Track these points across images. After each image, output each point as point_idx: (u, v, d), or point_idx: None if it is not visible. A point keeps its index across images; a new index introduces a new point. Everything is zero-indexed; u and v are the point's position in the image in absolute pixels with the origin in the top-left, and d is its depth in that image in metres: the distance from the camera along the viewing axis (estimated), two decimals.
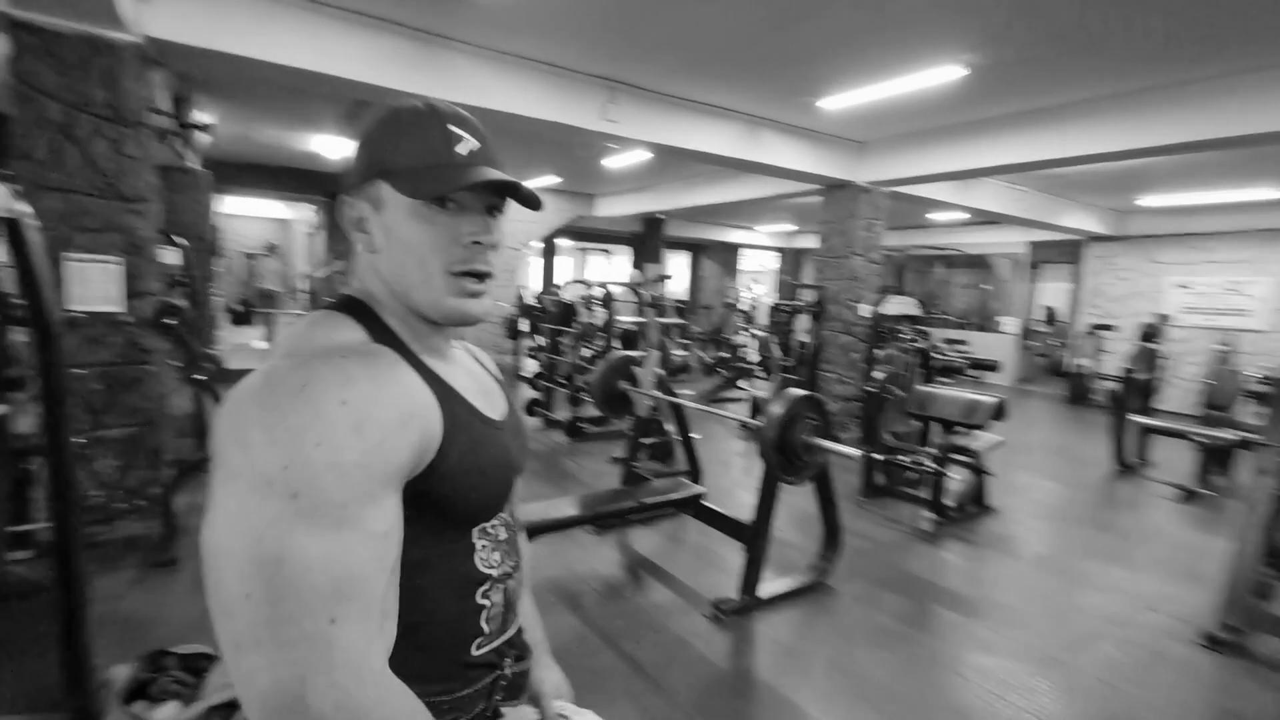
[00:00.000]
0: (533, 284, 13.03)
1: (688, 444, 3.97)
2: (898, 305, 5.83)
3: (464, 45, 4.07)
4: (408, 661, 0.59)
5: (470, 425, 0.67)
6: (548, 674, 0.91)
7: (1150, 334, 6.03)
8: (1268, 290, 8.29)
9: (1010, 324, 11.06)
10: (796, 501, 3.67)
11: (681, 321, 9.10)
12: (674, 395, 3.75)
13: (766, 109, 5.19)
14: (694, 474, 3.97)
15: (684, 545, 3.56)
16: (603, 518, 2.98)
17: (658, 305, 5.73)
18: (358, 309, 0.68)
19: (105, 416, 3.25)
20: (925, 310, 9.73)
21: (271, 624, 0.48)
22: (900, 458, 4.10)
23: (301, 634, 0.49)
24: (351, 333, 0.65)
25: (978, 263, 12.53)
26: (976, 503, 4.28)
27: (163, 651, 1.91)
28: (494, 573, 0.71)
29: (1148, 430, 5.74)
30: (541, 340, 6.78)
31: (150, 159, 3.37)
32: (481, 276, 0.68)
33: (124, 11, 2.97)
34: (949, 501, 4.12)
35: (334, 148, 7.32)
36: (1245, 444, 4.91)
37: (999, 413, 3.85)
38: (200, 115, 3.73)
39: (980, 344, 10.93)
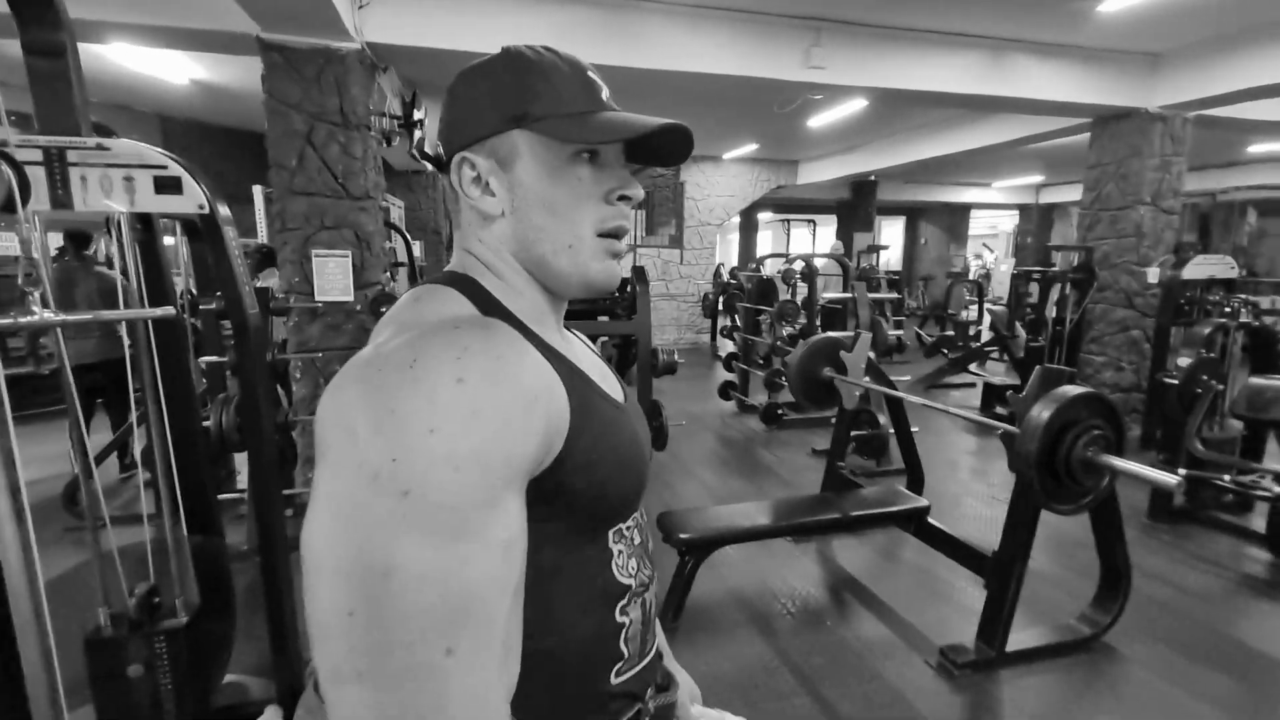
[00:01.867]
0: (731, 260, 12.67)
1: (906, 442, 3.34)
2: (1206, 267, 4.41)
3: (652, 4, 3.81)
4: (532, 698, 0.51)
5: (600, 408, 0.57)
6: (678, 675, 0.78)
7: None
8: None
9: None
10: (1056, 519, 2.89)
11: (895, 296, 8.05)
12: (890, 385, 3.16)
13: (1019, 27, 4.16)
14: (914, 479, 3.34)
15: (901, 565, 2.99)
16: (802, 530, 2.57)
17: (868, 278, 4.98)
18: (462, 282, 0.59)
19: None
20: (1246, 271, 7.39)
21: (376, 652, 0.40)
22: (1220, 476, 3.02)
23: (411, 667, 0.40)
24: (460, 306, 0.56)
25: None
26: None
27: None
28: (632, 583, 0.60)
29: None
30: (737, 319, 6.42)
31: (375, 159, 3.68)
32: (623, 235, 0.61)
33: (347, 21, 3.20)
34: None
35: None
36: None
37: None
38: (419, 113, 3.97)
39: None
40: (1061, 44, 4.42)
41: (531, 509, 0.49)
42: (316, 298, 3.44)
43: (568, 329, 0.71)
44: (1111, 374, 5.02)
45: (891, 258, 14.15)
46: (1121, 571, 2.33)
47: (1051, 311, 5.27)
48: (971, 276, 9.56)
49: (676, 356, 4.77)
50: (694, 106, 6.36)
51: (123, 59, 4.64)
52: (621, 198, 0.59)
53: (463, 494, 0.42)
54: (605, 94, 0.59)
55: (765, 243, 14.32)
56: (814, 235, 12.19)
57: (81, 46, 1.37)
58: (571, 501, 0.53)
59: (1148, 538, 3.30)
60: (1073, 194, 10.90)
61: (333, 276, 3.48)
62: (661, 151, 0.62)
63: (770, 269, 6.35)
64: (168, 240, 1.75)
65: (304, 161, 3.37)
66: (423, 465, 0.41)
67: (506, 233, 0.59)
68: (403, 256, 5.03)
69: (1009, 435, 2.02)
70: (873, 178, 10.21)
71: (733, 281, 7.29)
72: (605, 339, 4.61)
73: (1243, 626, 2.51)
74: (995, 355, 6.95)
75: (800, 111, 6.38)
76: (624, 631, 0.59)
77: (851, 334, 3.13)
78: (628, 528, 0.61)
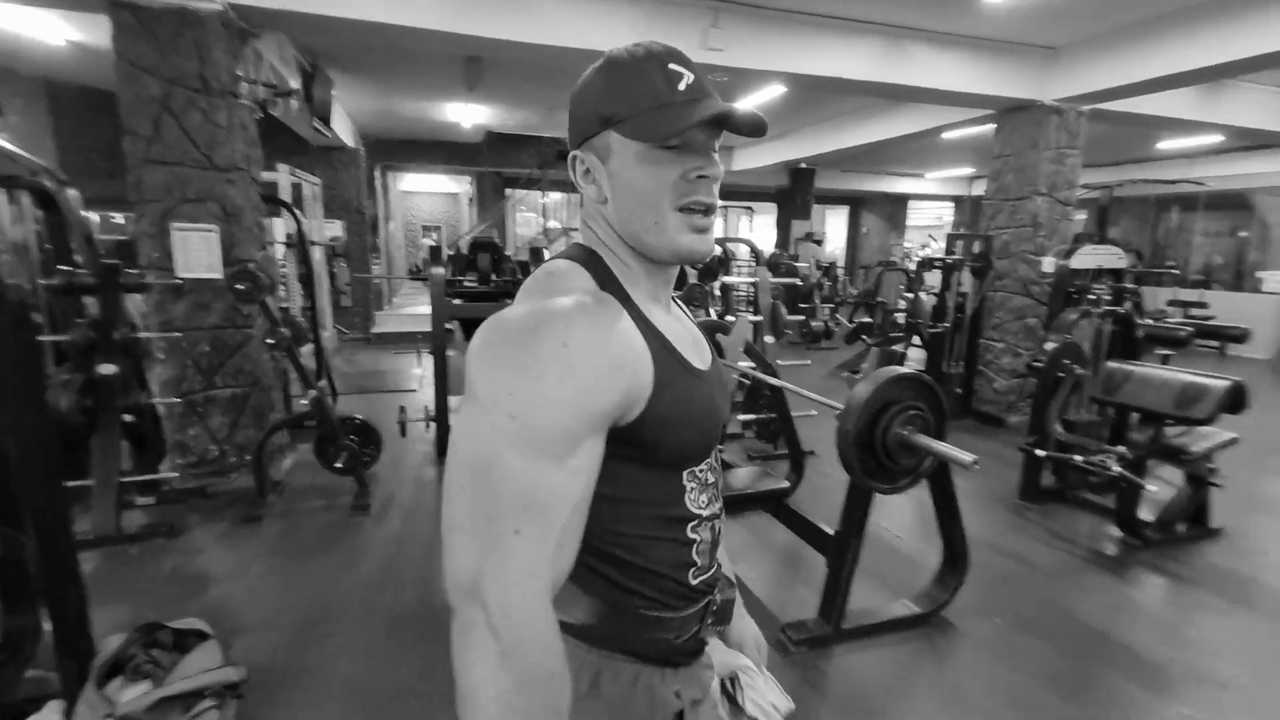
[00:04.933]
0: None
1: (787, 426, 3.37)
2: (1093, 257, 4.57)
3: None
4: (640, 578, 0.70)
5: (679, 376, 0.69)
6: (748, 625, 0.95)
7: None
8: None
9: (1275, 280, 8.52)
10: (930, 500, 2.95)
11: (798, 282, 8.14)
12: (768, 369, 3.17)
13: (915, 16, 4.20)
14: (795, 462, 3.38)
15: (770, 546, 3.02)
16: None
17: (775, 264, 4.99)
18: (587, 258, 0.71)
19: (215, 377, 3.48)
20: (1145, 264, 7.73)
21: (472, 516, 0.57)
22: (1076, 456, 3.13)
23: (492, 532, 0.56)
24: (583, 280, 0.69)
25: (1231, 202, 9.79)
26: (1193, 521, 3.17)
27: (157, 624, 1.88)
28: (703, 513, 0.76)
29: None
30: None
31: (246, 129, 3.49)
32: (708, 210, 0.69)
33: None
34: (1147, 517, 3.09)
35: (467, 114, 7.46)
36: None
37: (1234, 402, 2.74)
38: (293, 83, 3.78)
39: (1229, 307, 8.59)
40: (960, 35, 4.48)
41: (619, 450, 0.64)
42: (179, 274, 3.26)
43: (675, 300, 0.84)
44: (1009, 359, 5.19)
45: (837, 247, 14.37)
46: (959, 550, 2.39)
47: (953, 299, 5.39)
48: (905, 265, 9.73)
49: None
50: None
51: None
52: (700, 176, 0.67)
53: (553, 426, 0.58)
54: (685, 82, 0.66)
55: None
56: (751, 222, 12.24)
57: None
58: (651, 449, 0.67)
59: (1015, 516, 3.42)
60: None
61: (196, 252, 3.30)
62: (744, 127, 0.67)
63: None
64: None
65: (161, 129, 3.17)
66: (528, 402, 0.57)
67: (612, 217, 0.70)
68: (327, 235, 4.82)
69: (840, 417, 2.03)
70: (804, 165, 10.28)
71: None
72: None
73: (1078, 600, 2.61)
74: (917, 342, 7.12)
75: (726, 96, 6.34)
76: (695, 546, 0.75)
77: (734, 319, 3.12)
78: (700, 470, 0.75)
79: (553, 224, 10.06)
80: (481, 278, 4.11)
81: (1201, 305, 8.35)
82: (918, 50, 4.47)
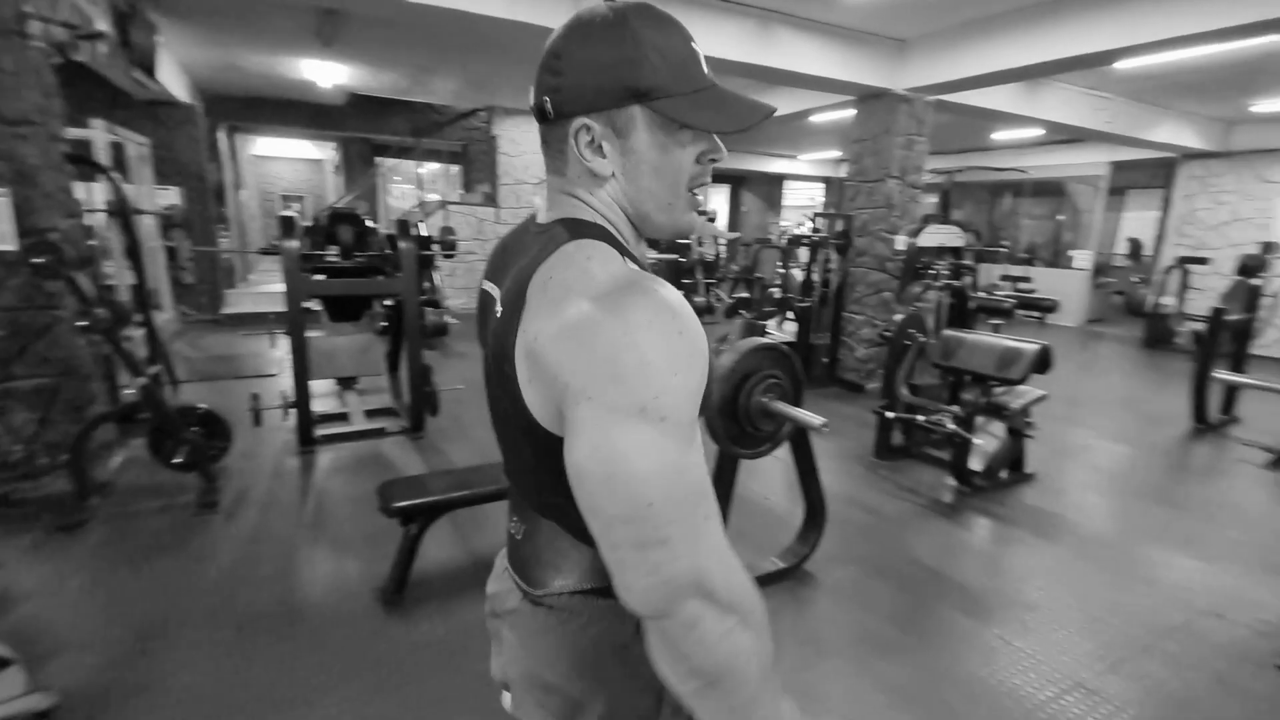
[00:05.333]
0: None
1: None
2: (937, 236, 5.02)
3: None
4: None
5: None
6: None
7: (1252, 267, 5.01)
8: None
9: (1083, 258, 9.84)
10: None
11: (709, 258, 8.39)
12: None
13: (781, 1, 4.35)
14: None
15: None
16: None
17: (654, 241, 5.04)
18: (604, 236, 0.68)
19: (14, 366, 3.00)
20: (983, 243, 8.64)
21: (671, 524, 0.58)
22: (920, 417, 3.47)
23: (694, 529, 0.59)
24: (619, 261, 0.64)
25: (1051, 189, 11.15)
26: (1012, 469, 3.63)
27: None
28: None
29: (1235, 384, 4.84)
30: None
31: (42, 75, 2.97)
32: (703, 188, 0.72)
33: None
34: (975, 467, 3.49)
35: (325, 73, 6.84)
36: None
37: (1042, 363, 3.15)
38: (100, 24, 3.26)
39: (1048, 281, 9.81)
40: (823, 22, 4.70)
41: None
42: None
43: None
44: (868, 330, 5.63)
45: (721, 224, 14.80)
46: (818, 507, 2.58)
47: (820, 275, 5.74)
48: (779, 243, 10.22)
49: (449, 317, 4.55)
50: (489, 51, 6.00)
51: None
52: (713, 160, 0.69)
53: (691, 414, 0.59)
54: (704, 63, 0.66)
55: None
56: None
57: None
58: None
59: (870, 473, 3.74)
60: None
61: None
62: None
63: None
64: None
65: None
66: (674, 399, 0.57)
67: (617, 192, 0.69)
68: (160, 202, 4.22)
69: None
70: None
71: None
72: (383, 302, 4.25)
73: (919, 544, 2.91)
74: (791, 316, 7.54)
75: None
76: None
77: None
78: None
79: (431, 196, 9.56)
80: (344, 252, 3.82)
81: (1026, 280, 9.45)
82: (785, 35, 4.65)
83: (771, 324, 7.31)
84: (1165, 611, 2.44)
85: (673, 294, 0.60)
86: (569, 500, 0.61)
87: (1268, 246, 5.30)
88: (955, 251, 5.20)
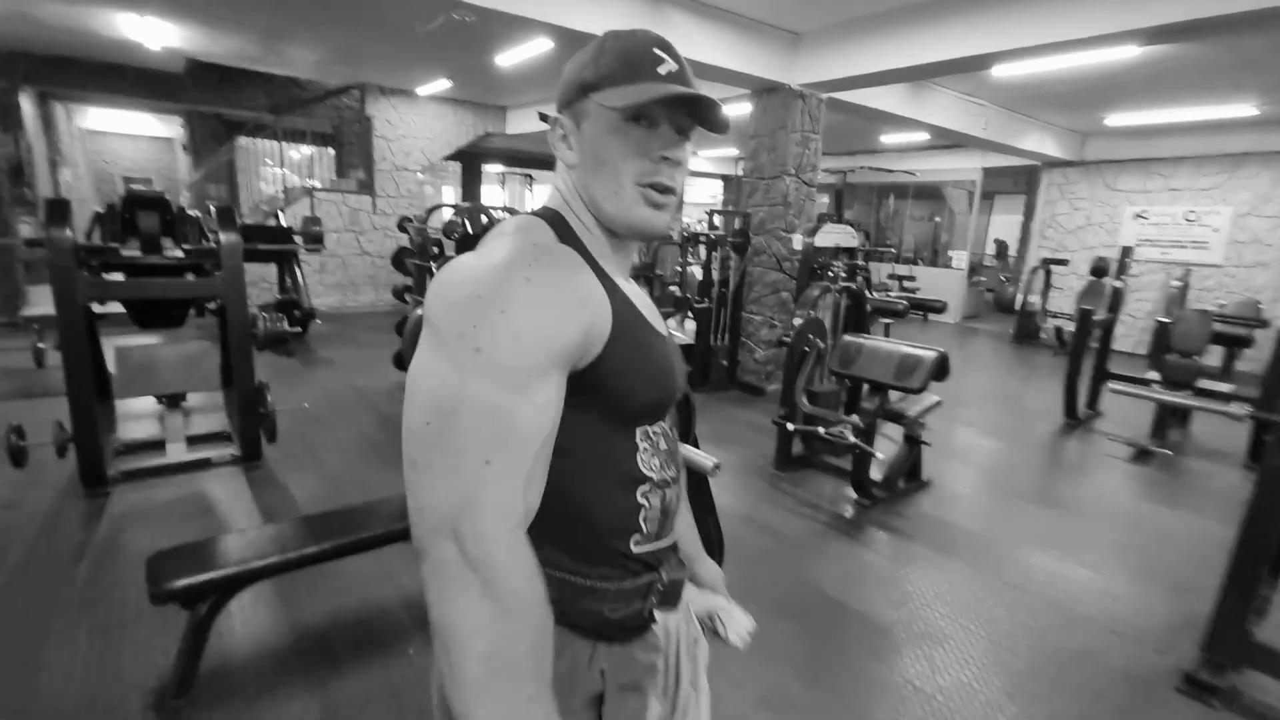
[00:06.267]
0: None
1: None
2: (832, 235, 4.92)
3: None
4: (577, 539, 0.69)
5: (638, 327, 0.70)
6: (710, 567, 1.02)
7: (1102, 269, 5.32)
8: (1227, 221, 7.72)
9: (960, 259, 10.40)
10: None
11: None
12: None
13: None
14: None
15: None
16: (350, 550, 2.06)
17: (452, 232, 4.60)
18: (552, 218, 0.73)
19: None
20: (872, 243, 8.90)
21: (439, 450, 0.57)
22: (820, 428, 3.28)
23: (461, 465, 0.56)
24: (546, 233, 0.70)
25: (930, 193, 11.74)
26: (910, 476, 3.54)
27: None
28: (654, 476, 0.74)
29: (1102, 379, 5.12)
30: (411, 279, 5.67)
31: None
32: (665, 190, 0.71)
33: None
34: (875, 476, 3.36)
35: (151, 32, 5.80)
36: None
37: (940, 370, 3.04)
38: None
39: (930, 280, 10.30)
40: (718, 7, 4.45)
41: (575, 397, 0.65)
42: None
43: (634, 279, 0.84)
44: (767, 331, 5.49)
45: None
46: (715, 542, 2.28)
47: (718, 274, 5.54)
48: (677, 239, 10.04)
49: (317, 320, 3.91)
50: (353, 21, 5.30)
51: None
52: (665, 158, 0.70)
53: (518, 359, 0.59)
54: (666, 68, 0.69)
55: (498, 196, 13.48)
56: (531, 190, 11.75)
57: None
58: (606, 397, 0.67)
59: (770, 487, 3.53)
60: None
61: None
62: (710, 121, 0.71)
63: (438, 222, 5.69)
64: None
65: None
66: (493, 335, 0.58)
67: (578, 180, 0.74)
68: None
69: None
70: None
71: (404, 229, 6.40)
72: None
73: (822, 570, 2.70)
74: (689, 315, 7.34)
75: (487, 47, 5.75)
76: (642, 512, 0.73)
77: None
78: (654, 432, 0.75)
79: (295, 181, 8.54)
80: (147, 244, 3.09)
81: (912, 279, 9.86)
82: (679, 17, 4.35)
83: (673, 324, 7.08)
84: (1067, 632, 2.35)
85: (545, 250, 0.65)
86: None
87: (1124, 250, 5.66)
88: (850, 252, 5.15)
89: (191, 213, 3.29)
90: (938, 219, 12.40)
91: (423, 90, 7.85)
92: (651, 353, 0.71)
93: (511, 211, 4.91)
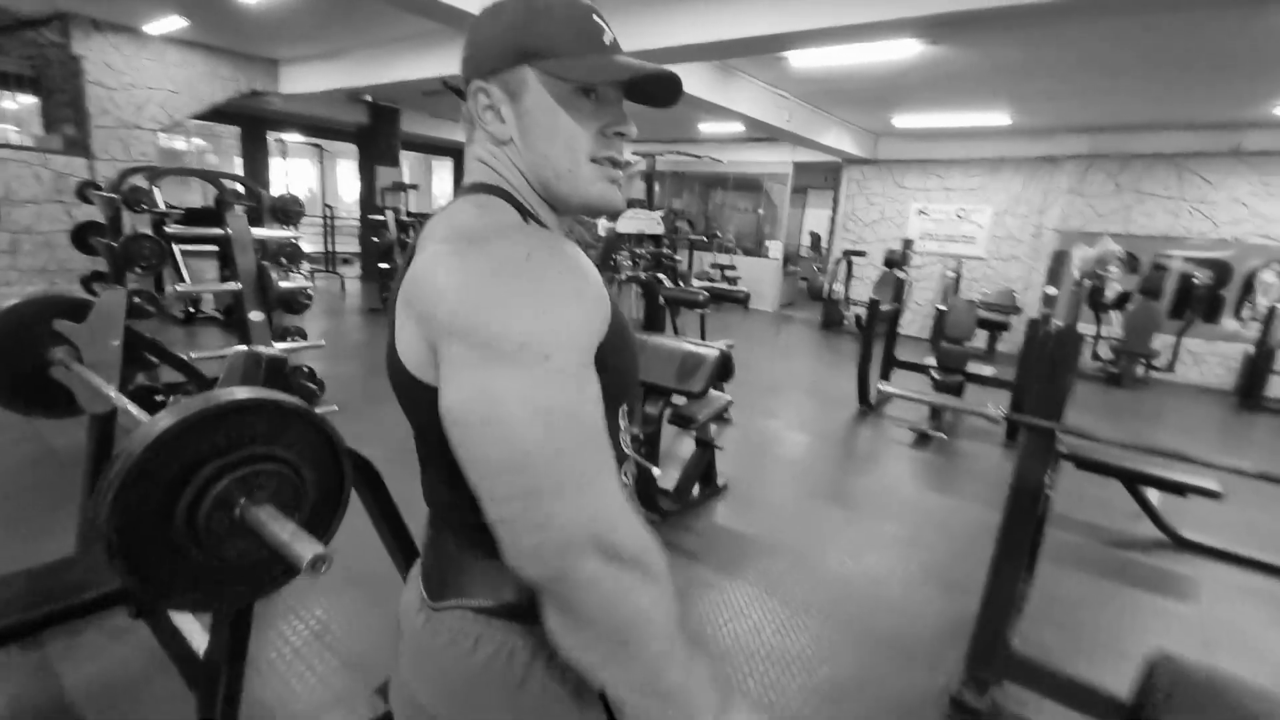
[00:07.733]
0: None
1: None
2: (636, 221, 4.60)
3: None
4: None
5: (618, 307, 0.67)
6: None
7: (894, 260, 5.62)
8: (989, 219, 8.70)
9: (776, 249, 10.83)
10: None
11: (291, 235, 7.11)
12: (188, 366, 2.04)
13: None
14: None
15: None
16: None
17: (278, 209, 3.65)
18: (506, 197, 0.67)
19: None
20: (697, 232, 8.90)
21: (563, 471, 0.53)
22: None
23: (584, 478, 0.53)
24: (513, 216, 0.65)
25: (751, 185, 12.12)
26: (703, 483, 3.29)
27: None
28: (628, 454, 0.74)
29: (891, 366, 5.37)
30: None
31: None
32: (620, 165, 0.69)
33: None
34: (666, 487, 3.05)
35: None
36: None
37: (724, 371, 2.78)
38: None
39: (750, 270, 10.59)
40: None
41: None
42: None
43: None
44: None
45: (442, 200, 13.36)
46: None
47: None
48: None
49: None
50: None
51: None
52: (617, 133, 0.67)
53: (580, 354, 0.56)
54: (609, 38, 0.66)
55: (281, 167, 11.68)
56: (322, 164, 10.30)
57: None
58: (609, 376, 0.61)
59: None
60: None
61: None
62: (657, 95, 0.69)
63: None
64: None
65: None
66: (555, 337, 0.54)
67: (520, 160, 0.68)
68: None
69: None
70: (374, 100, 8.95)
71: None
72: None
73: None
74: None
75: None
76: (625, 491, 0.67)
77: (100, 290, 1.89)
78: (624, 412, 0.72)
79: None
80: None
81: (733, 268, 10.02)
82: None
83: None
84: (843, 658, 2.15)
85: (563, 243, 0.60)
86: (459, 496, 0.59)
87: (906, 243, 6.01)
88: (655, 240, 4.88)
89: None
90: (760, 210, 12.89)
91: (151, 28, 6.32)
92: (628, 328, 0.69)
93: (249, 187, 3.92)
